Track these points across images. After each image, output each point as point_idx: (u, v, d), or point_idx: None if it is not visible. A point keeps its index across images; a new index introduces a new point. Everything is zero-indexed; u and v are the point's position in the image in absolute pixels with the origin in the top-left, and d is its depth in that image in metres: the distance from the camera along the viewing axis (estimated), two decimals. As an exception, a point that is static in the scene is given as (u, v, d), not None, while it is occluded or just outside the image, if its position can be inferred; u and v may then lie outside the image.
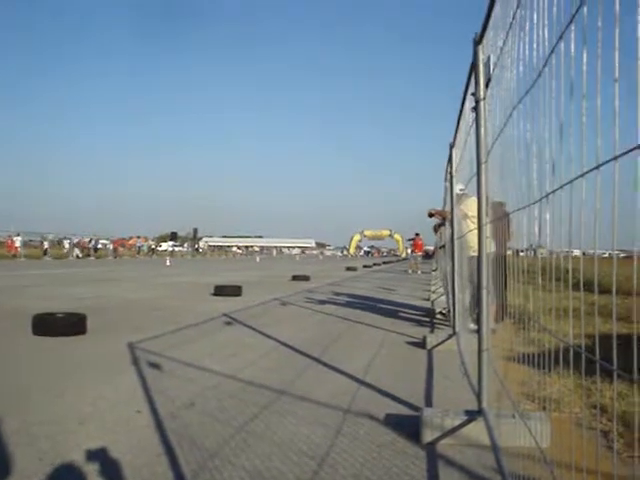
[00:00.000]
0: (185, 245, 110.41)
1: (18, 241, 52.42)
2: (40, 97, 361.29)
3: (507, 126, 3.03)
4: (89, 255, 58.11)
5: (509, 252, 4.25)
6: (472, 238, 7.43)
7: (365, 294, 17.31)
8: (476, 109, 3.92)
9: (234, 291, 15.11)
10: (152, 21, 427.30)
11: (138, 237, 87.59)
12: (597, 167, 1.53)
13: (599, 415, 4.23)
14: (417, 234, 37.90)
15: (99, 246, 64.54)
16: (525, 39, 2.43)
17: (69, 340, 7.84)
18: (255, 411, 4.59)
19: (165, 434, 4.01)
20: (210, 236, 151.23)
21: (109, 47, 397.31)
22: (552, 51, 1.97)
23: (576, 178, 1.69)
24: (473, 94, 3.97)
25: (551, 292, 2.51)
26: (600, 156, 1.53)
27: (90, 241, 63.99)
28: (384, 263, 60.79)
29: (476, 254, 6.26)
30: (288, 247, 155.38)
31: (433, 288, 18.42)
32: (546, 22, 2.08)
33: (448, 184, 9.32)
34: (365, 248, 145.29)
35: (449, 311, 10.13)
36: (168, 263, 41.81)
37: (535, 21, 2.21)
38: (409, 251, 45.18)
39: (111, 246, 65.93)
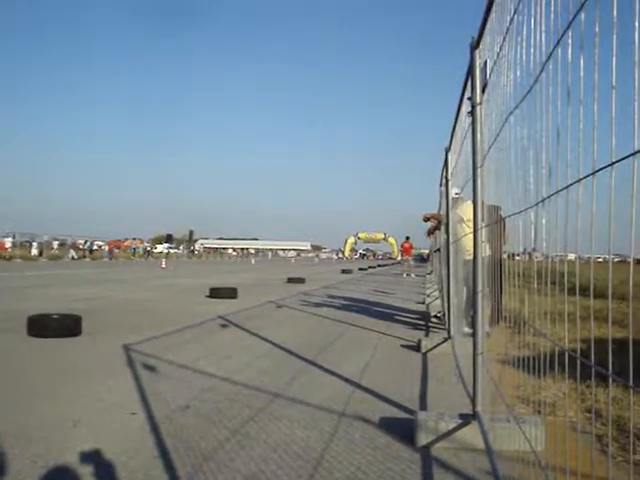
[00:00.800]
0: (180, 247, 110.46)
1: (8, 242, 52.42)
2: (35, 97, 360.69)
3: (503, 131, 3.04)
4: (84, 256, 58.05)
5: (504, 256, 4.26)
6: (467, 242, 7.44)
7: (360, 297, 17.32)
8: (472, 113, 3.92)
9: (229, 293, 15.10)
10: (152, 21, 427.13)
11: (134, 239, 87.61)
12: (593, 173, 1.54)
13: (594, 419, 4.23)
14: (407, 237, 37.98)
15: (94, 248, 64.50)
16: (522, 44, 2.44)
17: (64, 341, 7.82)
18: (250, 414, 4.59)
19: (160, 436, 4.00)
20: (206, 238, 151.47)
21: (108, 47, 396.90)
22: (549, 57, 1.98)
23: (573, 183, 1.70)
24: (469, 98, 3.98)
25: (546, 296, 2.52)
26: (596, 162, 1.53)
27: (85, 243, 63.98)
28: (379, 266, 60.85)
29: (471, 258, 6.29)
30: (284, 249, 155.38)
31: (428, 291, 18.43)
32: (543, 28, 2.09)
33: (443, 188, 9.33)
34: (360, 251, 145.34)
35: (444, 314, 10.13)
36: (163, 265, 41.76)
37: (532, 26, 2.22)
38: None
39: (106, 248, 65.90)
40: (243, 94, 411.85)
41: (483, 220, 3.93)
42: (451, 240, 8.02)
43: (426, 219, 11.60)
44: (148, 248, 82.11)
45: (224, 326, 9.81)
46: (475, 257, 3.93)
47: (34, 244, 53.13)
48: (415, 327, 10.45)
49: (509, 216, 2.75)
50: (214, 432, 4.13)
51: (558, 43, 1.86)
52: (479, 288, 3.87)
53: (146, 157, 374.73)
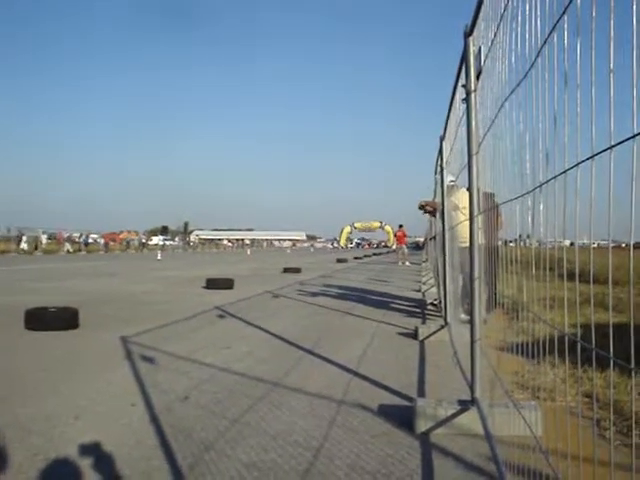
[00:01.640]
0: (176, 239, 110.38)
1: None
2: (29, 92, 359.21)
3: (499, 117, 3.04)
4: (80, 250, 57.96)
5: (499, 243, 4.27)
6: (462, 229, 7.45)
7: (356, 285, 17.34)
8: (467, 101, 3.92)
9: (226, 284, 15.11)
10: (153, 18, 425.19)
11: (129, 232, 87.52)
12: (592, 157, 1.54)
13: (595, 403, 4.25)
14: (400, 226, 37.99)
15: (90, 241, 64.41)
16: (517, 30, 2.44)
17: (62, 334, 7.83)
18: (249, 403, 4.60)
19: (160, 427, 4.01)
20: (201, 229, 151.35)
21: (107, 44, 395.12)
22: (545, 42, 1.98)
23: (570, 168, 1.70)
24: (464, 86, 3.97)
25: (544, 282, 2.53)
26: (595, 146, 1.54)
27: (81, 236, 63.87)
28: (374, 255, 60.87)
29: (467, 245, 6.29)
30: (279, 240, 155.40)
31: (424, 279, 18.45)
32: (538, 13, 2.08)
33: (438, 176, 9.33)
34: (356, 240, 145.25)
35: (440, 302, 10.15)
36: (159, 257, 41.75)
37: (527, 12, 2.22)
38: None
39: (102, 241, 65.82)
40: (238, 86, 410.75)
41: (479, 207, 3.93)
42: (447, 227, 8.03)
43: (422, 207, 11.59)
44: (143, 240, 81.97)
45: (221, 317, 9.82)
46: (472, 244, 3.93)
47: (24, 238, 52.43)
48: (411, 315, 10.47)
49: (506, 202, 2.75)
50: (214, 422, 4.14)
51: (554, 28, 1.86)
52: (476, 275, 3.88)
53: (140, 150, 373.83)
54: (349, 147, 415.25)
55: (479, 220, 3.97)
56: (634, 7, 1.36)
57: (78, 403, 4.61)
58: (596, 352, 1.69)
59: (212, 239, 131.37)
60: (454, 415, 3.88)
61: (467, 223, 4.25)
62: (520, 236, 3.61)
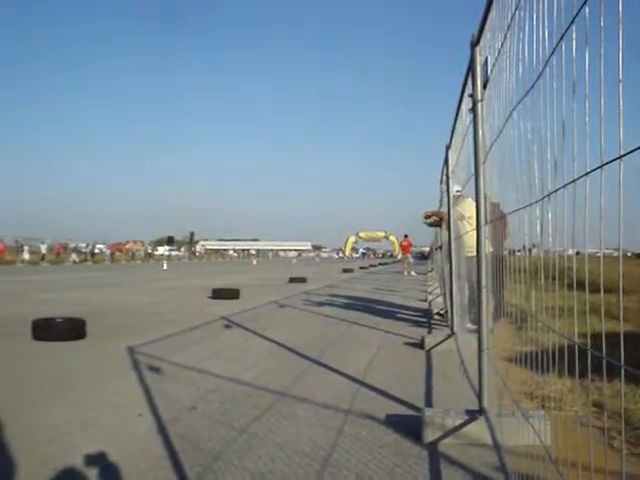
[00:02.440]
0: (182, 249, 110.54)
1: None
2: (28, 101, 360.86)
3: (506, 126, 3.04)
4: (86, 260, 58.04)
5: (505, 252, 4.27)
6: (469, 239, 7.45)
7: (362, 295, 17.33)
8: (474, 110, 3.93)
9: (232, 294, 15.10)
10: (152, 21, 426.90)
11: (134, 242, 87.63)
12: (601, 166, 1.54)
13: (605, 412, 4.24)
14: (405, 236, 37.96)
15: (96, 251, 64.51)
16: (524, 40, 2.44)
17: (69, 345, 7.84)
18: (257, 413, 4.60)
19: (168, 437, 4.01)
20: (206, 239, 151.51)
21: (107, 47, 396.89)
22: (553, 52, 1.99)
23: (580, 177, 1.70)
24: (471, 95, 3.98)
25: (547, 292, 2.53)
26: (604, 155, 1.54)
27: (87, 246, 63.98)
28: (380, 264, 60.80)
29: (473, 254, 6.27)
30: (284, 250, 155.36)
31: (430, 289, 18.44)
32: (546, 23, 2.09)
33: (444, 186, 9.33)
34: (361, 250, 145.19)
35: (447, 312, 10.14)
36: (165, 267, 41.83)
37: (534, 22, 2.22)
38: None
39: (108, 251, 65.92)
40: (241, 94, 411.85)
41: (487, 216, 3.94)
42: (453, 237, 8.03)
43: (427, 217, 11.59)
44: (149, 250, 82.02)
45: (228, 327, 9.82)
46: (479, 253, 3.93)
47: (25, 248, 52.12)
48: (418, 325, 10.46)
49: (514, 211, 2.75)
50: (221, 432, 4.14)
51: (562, 38, 1.86)
52: (483, 284, 3.88)
53: (146, 159, 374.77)
54: (354, 157, 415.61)
55: (486, 230, 3.97)
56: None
57: (85, 413, 4.61)
58: (605, 361, 1.69)
59: (218, 249, 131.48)
60: (462, 425, 3.87)
61: (473, 233, 4.25)
62: (525, 246, 3.61)
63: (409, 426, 4.22)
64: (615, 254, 1.61)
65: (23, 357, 7.03)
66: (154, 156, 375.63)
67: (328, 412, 4.67)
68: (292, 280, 23.86)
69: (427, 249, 50.36)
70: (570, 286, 2.42)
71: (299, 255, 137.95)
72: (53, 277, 27.90)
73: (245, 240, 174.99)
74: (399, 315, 12.01)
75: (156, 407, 4.75)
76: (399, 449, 3.81)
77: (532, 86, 2.30)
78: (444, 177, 9.01)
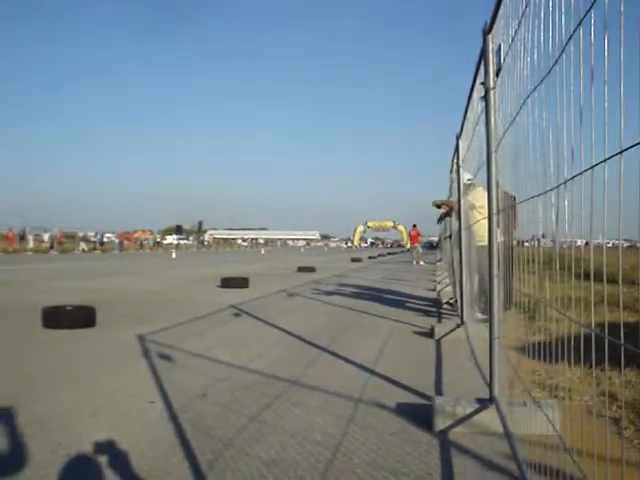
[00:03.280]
0: (190, 238, 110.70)
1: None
2: (40, 91, 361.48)
3: (520, 114, 3.02)
4: (95, 249, 58.21)
5: (514, 242, 4.26)
6: (479, 228, 7.43)
7: (371, 285, 17.33)
8: (486, 98, 3.91)
9: (241, 283, 15.13)
10: (155, 16, 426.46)
11: (143, 231, 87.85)
12: (620, 152, 1.53)
13: (623, 404, 4.24)
14: (414, 225, 37.84)
15: (105, 240, 64.70)
16: (540, 27, 2.42)
17: (79, 333, 7.87)
18: (267, 401, 4.61)
19: (179, 425, 4.02)
20: (215, 229, 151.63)
21: (110, 42, 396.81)
22: (570, 38, 1.97)
23: (598, 164, 1.69)
24: (483, 83, 3.96)
25: (561, 282, 2.52)
26: (623, 142, 1.52)
27: (96, 235, 64.21)
28: (388, 254, 60.78)
29: (484, 244, 6.24)
30: (293, 239, 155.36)
31: (439, 279, 18.42)
32: (563, 10, 2.07)
33: (454, 175, 9.30)
34: (369, 239, 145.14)
35: (456, 301, 10.13)
36: (174, 256, 41.86)
37: (550, 8, 2.21)
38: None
39: (116, 240, 66.12)
40: (246, 86, 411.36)
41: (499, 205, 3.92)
42: (463, 226, 8.01)
43: (437, 206, 11.56)
44: (158, 239, 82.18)
45: (237, 315, 9.84)
46: (490, 242, 3.92)
47: (29, 237, 51.76)
48: (427, 314, 10.45)
49: (529, 199, 2.73)
50: (232, 419, 4.15)
51: (580, 24, 1.85)
52: (495, 273, 3.87)
53: (154, 148, 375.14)
54: (362, 146, 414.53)
55: (496, 218, 3.95)
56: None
57: (96, 401, 4.63)
58: (615, 349, 1.68)
59: (226, 238, 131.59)
60: (473, 413, 3.87)
61: (484, 222, 4.24)
62: (534, 236, 3.60)
63: (419, 414, 4.22)
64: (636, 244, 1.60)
65: (33, 345, 7.06)
66: (162, 146, 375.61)
67: (338, 400, 4.67)
68: (301, 269, 23.87)
69: (435, 239, 50.24)
70: (581, 276, 2.40)
71: (307, 244, 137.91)
72: (62, 265, 27.98)
73: (253, 229, 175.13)
74: (408, 304, 12.01)
75: (167, 395, 4.77)
76: (410, 437, 3.81)
77: (548, 73, 2.28)
78: (454, 166, 8.98)
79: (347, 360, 6.20)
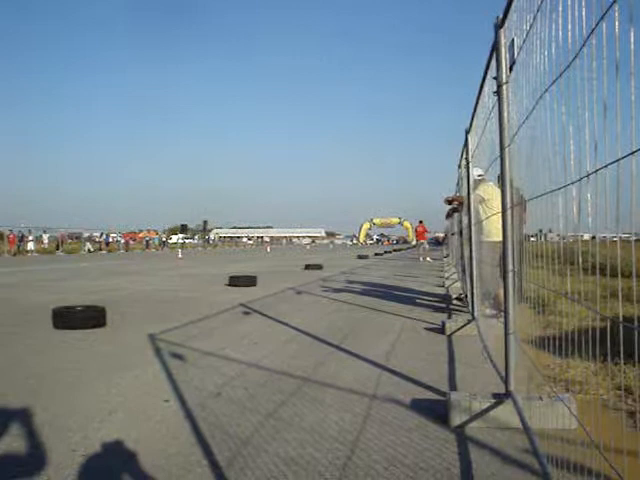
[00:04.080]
0: (195, 237, 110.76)
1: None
2: (40, 91, 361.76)
3: (536, 108, 3.01)
4: (100, 249, 58.30)
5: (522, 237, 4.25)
6: (488, 223, 7.43)
7: (379, 282, 17.32)
8: (498, 93, 3.90)
9: (249, 281, 15.14)
10: (156, 12, 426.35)
11: (148, 231, 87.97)
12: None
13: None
14: (420, 221, 37.78)
15: (110, 240, 64.77)
16: (558, 21, 2.41)
17: (90, 333, 7.89)
18: (282, 398, 4.62)
19: (195, 423, 4.04)
20: (220, 227, 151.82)
21: (111, 39, 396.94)
22: (592, 32, 1.96)
23: (624, 157, 1.68)
24: (495, 78, 3.95)
25: (570, 276, 2.52)
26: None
27: (101, 235, 64.29)
28: (395, 251, 60.72)
29: (491, 239, 6.21)
30: (298, 237, 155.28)
31: (446, 275, 18.41)
32: (583, 3, 2.07)
33: (463, 170, 9.30)
34: (375, 236, 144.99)
35: (466, 296, 10.13)
36: (180, 255, 41.91)
37: (569, 2, 2.20)
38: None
39: (122, 240, 66.19)
40: (250, 85, 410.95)
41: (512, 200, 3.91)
42: (473, 222, 8.00)
43: (448, 202, 11.54)
44: (163, 239, 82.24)
45: (247, 313, 9.85)
46: (505, 237, 3.92)
47: (30, 238, 51.30)
48: (437, 310, 10.44)
49: (547, 193, 2.72)
50: (248, 417, 4.16)
51: (603, 17, 1.84)
52: (509, 267, 3.87)
53: (158, 148, 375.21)
54: (367, 143, 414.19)
55: (510, 213, 3.94)
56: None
57: (112, 400, 4.65)
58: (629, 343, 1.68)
59: (232, 237, 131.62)
60: (489, 408, 3.88)
61: (493, 217, 4.23)
62: (541, 230, 3.59)
63: (435, 410, 4.23)
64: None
65: (45, 345, 7.08)
66: (167, 145, 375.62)
67: (353, 397, 4.68)
68: (308, 267, 23.86)
69: (442, 235, 50.17)
70: (597, 270, 2.40)
71: (313, 242, 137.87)
72: (69, 266, 28.03)
73: (259, 228, 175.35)
74: (418, 300, 12.00)
75: (181, 393, 4.78)
76: (426, 433, 3.82)
77: (568, 66, 2.28)
78: (463, 161, 8.96)
79: (359, 357, 6.21)
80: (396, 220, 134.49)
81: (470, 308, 8.32)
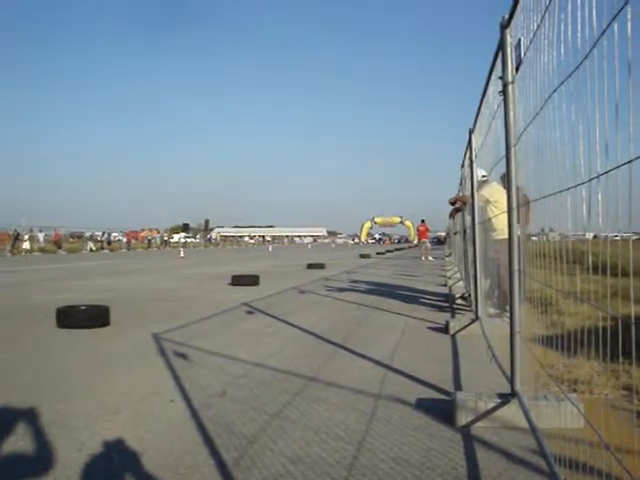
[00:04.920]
0: (197, 236, 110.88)
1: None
2: (42, 86, 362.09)
3: (543, 108, 3.01)
4: (102, 248, 58.32)
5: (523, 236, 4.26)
6: (497, 222, 7.44)
7: (381, 281, 17.33)
8: (504, 92, 3.90)
9: (251, 280, 15.16)
10: (157, 8, 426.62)
11: (150, 230, 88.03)
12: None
13: None
14: (422, 220, 37.75)
15: (112, 239, 64.85)
16: (567, 21, 2.41)
17: (94, 332, 7.90)
18: (287, 398, 4.63)
19: (201, 422, 4.04)
20: (222, 226, 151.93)
21: (112, 36, 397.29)
22: (603, 32, 1.96)
23: (637, 158, 1.69)
24: (501, 77, 3.95)
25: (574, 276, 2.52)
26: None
27: (103, 234, 64.36)
28: (396, 250, 60.69)
29: (497, 238, 6.20)
30: (300, 236, 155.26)
31: (449, 274, 18.42)
32: (594, 4, 2.07)
33: (466, 169, 9.29)
34: (376, 235, 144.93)
35: (469, 295, 10.12)
36: (182, 254, 41.85)
37: (578, 3, 2.20)
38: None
39: (124, 239, 66.24)
40: (252, 83, 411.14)
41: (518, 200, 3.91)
42: (477, 221, 8.00)
43: (453, 203, 11.53)
44: (165, 238, 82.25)
45: (250, 313, 9.85)
46: (510, 237, 3.92)
47: (25, 237, 50.87)
48: (440, 309, 10.45)
49: (556, 193, 2.72)
50: (254, 417, 4.17)
51: (614, 19, 1.84)
52: (515, 267, 3.87)
53: (159, 146, 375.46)
54: (369, 141, 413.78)
55: (515, 213, 3.95)
56: None
57: (117, 399, 4.65)
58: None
59: (233, 236, 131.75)
60: (494, 408, 3.88)
61: (500, 217, 4.23)
62: (543, 230, 3.59)
63: (440, 409, 4.24)
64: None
65: (50, 345, 7.09)
66: (168, 144, 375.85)
67: (358, 396, 4.69)
68: (310, 266, 23.85)
69: (443, 234, 50.17)
70: (608, 270, 2.41)
71: (314, 241, 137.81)
72: (71, 265, 28.03)
73: (260, 227, 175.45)
74: (420, 300, 12.01)
75: (186, 393, 4.79)
76: (432, 432, 3.82)
77: (577, 67, 2.28)
78: (467, 160, 8.96)
79: (363, 356, 6.21)
80: (397, 219, 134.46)
81: (474, 307, 8.32)
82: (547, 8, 2.78)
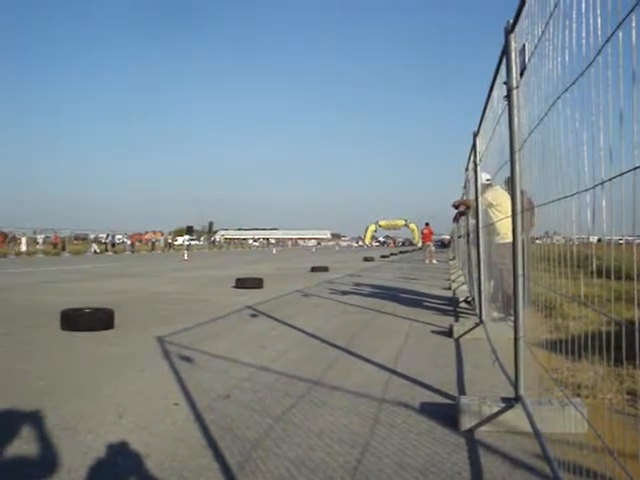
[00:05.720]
0: (201, 239, 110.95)
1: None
2: (48, 90, 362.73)
3: (548, 114, 3.01)
4: (107, 250, 58.41)
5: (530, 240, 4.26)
6: (501, 226, 7.45)
7: (385, 284, 17.32)
8: (508, 98, 3.91)
9: (255, 283, 15.17)
10: (158, 10, 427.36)
11: (154, 232, 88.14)
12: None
13: None
14: (427, 224, 37.74)
15: (116, 241, 64.96)
16: (572, 27, 2.42)
17: (98, 335, 7.90)
18: (291, 402, 4.63)
19: (205, 426, 4.05)
20: (226, 229, 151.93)
21: (113, 38, 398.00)
22: (608, 40, 1.97)
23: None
24: (505, 82, 3.96)
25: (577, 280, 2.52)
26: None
27: (107, 237, 64.47)
28: (400, 253, 60.69)
29: (506, 241, 6.18)
30: (304, 239, 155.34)
31: (453, 277, 18.41)
32: (598, 12, 2.08)
33: (470, 173, 9.30)
34: (381, 238, 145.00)
35: (473, 299, 10.12)
36: (186, 257, 41.86)
37: (583, 10, 2.21)
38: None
39: (128, 241, 66.34)
40: (257, 86, 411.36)
41: (522, 204, 3.92)
42: (481, 225, 8.00)
43: (456, 206, 11.54)
44: (169, 240, 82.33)
45: (254, 316, 9.86)
46: (515, 241, 3.93)
47: (22, 239, 50.68)
48: (444, 313, 10.45)
49: (560, 199, 2.72)
50: (258, 420, 4.17)
51: (619, 27, 1.85)
52: (519, 272, 3.88)
53: (164, 149, 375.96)
54: (372, 145, 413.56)
55: (520, 217, 3.95)
56: None
57: (121, 403, 4.66)
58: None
59: (237, 238, 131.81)
60: (498, 412, 3.88)
61: (503, 221, 4.24)
62: (547, 233, 3.59)
63: (444, 414, 4.24)
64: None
65: (54, 348, 7.09)
66: (172, 146, 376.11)
67: (362, 400, 4.69)
68: (314, 269, 23.88)
69: (447, 237, 50.13)
70: (612, 273, 2.41)
71: (318, 244, 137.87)
72: (75, 268, 28.04)
73: (264, 229, 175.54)
74: (425, 303, 12.01)
75: (190, 396, 4.79)
76: (436, 437, 3.83)
77: (581, 74, 2.28)
78: (471, 164, 8.96)
79: (367, 360, 6.22)
80: (402, 222, 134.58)
81: (478, 311, 8.32)
82: (551, 14, 2.79)
